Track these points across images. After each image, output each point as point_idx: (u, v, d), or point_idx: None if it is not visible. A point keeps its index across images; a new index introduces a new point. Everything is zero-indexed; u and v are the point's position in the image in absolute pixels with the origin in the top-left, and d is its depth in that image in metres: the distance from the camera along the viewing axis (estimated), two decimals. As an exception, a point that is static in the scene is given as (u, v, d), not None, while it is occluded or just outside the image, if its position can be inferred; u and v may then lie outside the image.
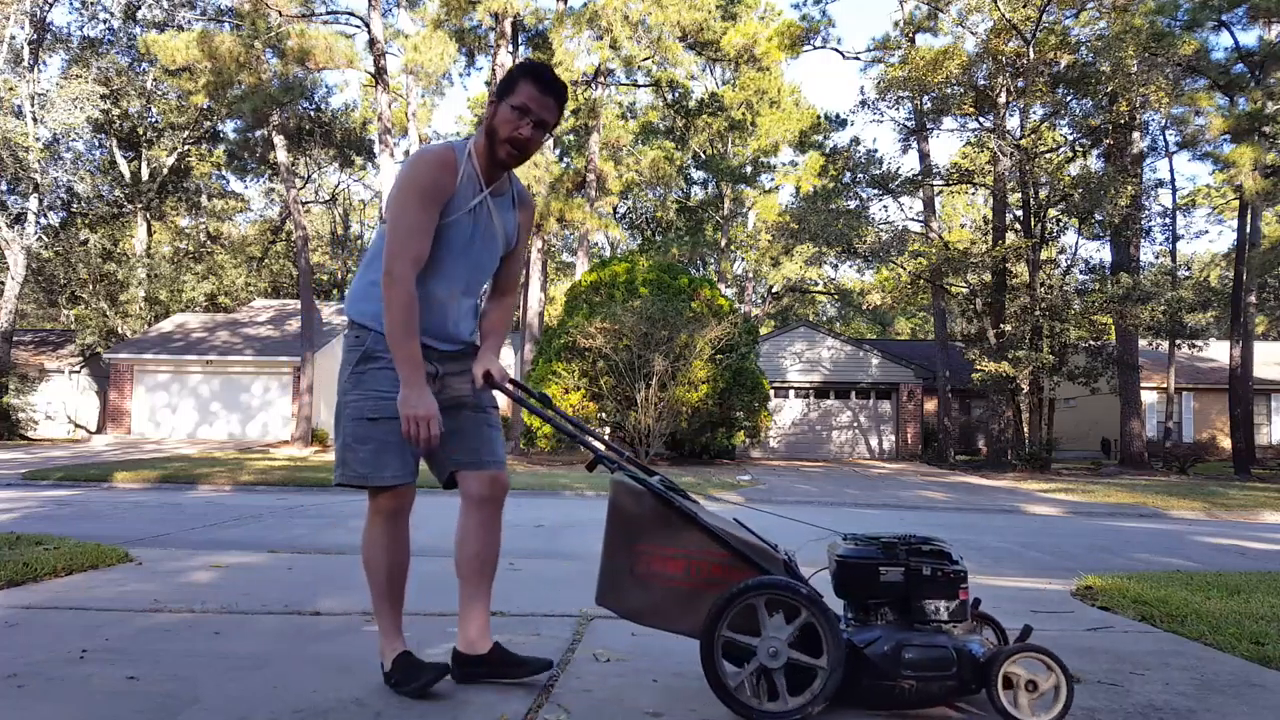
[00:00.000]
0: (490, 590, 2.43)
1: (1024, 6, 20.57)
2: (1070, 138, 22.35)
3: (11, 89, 24.59)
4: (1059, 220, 21.56)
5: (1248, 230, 20.67)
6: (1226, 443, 23.47)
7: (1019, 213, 21.88)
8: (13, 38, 25.24)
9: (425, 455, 2.37)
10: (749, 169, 33.54)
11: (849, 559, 2.27)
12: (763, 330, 27.92)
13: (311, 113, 28.82)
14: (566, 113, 28.06)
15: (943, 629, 2.21)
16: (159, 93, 30.24)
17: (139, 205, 31.48)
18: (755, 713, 2.10)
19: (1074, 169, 21.64)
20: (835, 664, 2.08)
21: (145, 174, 32.05)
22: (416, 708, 2.19)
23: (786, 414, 24.99)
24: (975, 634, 2.29)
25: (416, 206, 2.20)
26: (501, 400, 2.59)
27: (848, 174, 24.38)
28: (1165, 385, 24.07)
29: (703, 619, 2.14)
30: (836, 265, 38.61)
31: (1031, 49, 19.67)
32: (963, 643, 2.17)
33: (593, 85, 25.62)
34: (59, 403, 27.33)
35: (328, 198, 44.11)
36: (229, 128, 31.99)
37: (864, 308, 37.55)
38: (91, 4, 28.88)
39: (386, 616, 2.34)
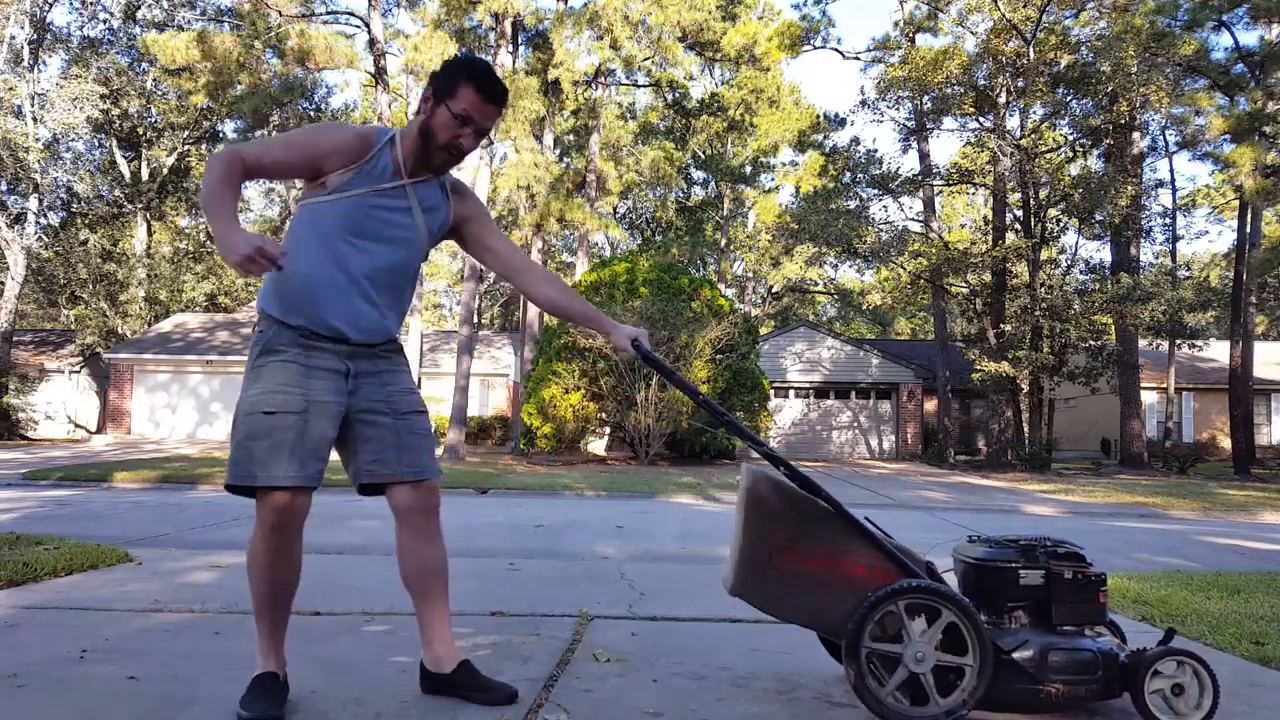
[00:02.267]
0: (447, 601, 2.33)
1: (1024, 6, 20.58)
2: (1070, 138, 22.35)
3: (11, 89, 24.59)
4: (1059, 220, 21.57)
5: (1248, 230, 20.67)
6: (1226, 443, 23.46)
7: (1019, 213, 21.88)
8: (13, 38, 25.24)
9: (342, 462, 2.25)
10: (749, 169, 33.54)
11: (987, 562, 2.25)
12: (763, 330, 27.93)
13: (311, 113, 28.82)
14: (566, 113, 28.14)
15: (1082, 632, 2.20)
16: (159, 93, 30.24)
17: (139, 205, 31.49)
18: (907, 717, 2.08)
19: (1074, 169, 21.65)
20: (984, 662, 2.07)
21: (145, 174, 32.05)
22: (416, 708, 2.19)
23: (787, 414, 24.99)
24: (1104, 636, 2.28)
25: (290, 141, 2.16)
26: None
27: (848, 174, 24.39)
28: (1165, 385, 24.06)
29: (842, 619, 2.11)
30: (836, 265, 38.65)
31: (1031, 49, 19.67)
32: (1105, 645, 2.16)
33: (593, 85, 25.61)
34: (59, 403, 27.34)
35: (328, 198, 44.05)
36: (229, 128, 31.98)
37: (864, 308, 37.55)
38: (91, 4, 28.89)
39: (265, 631, 2.18)
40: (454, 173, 2.41)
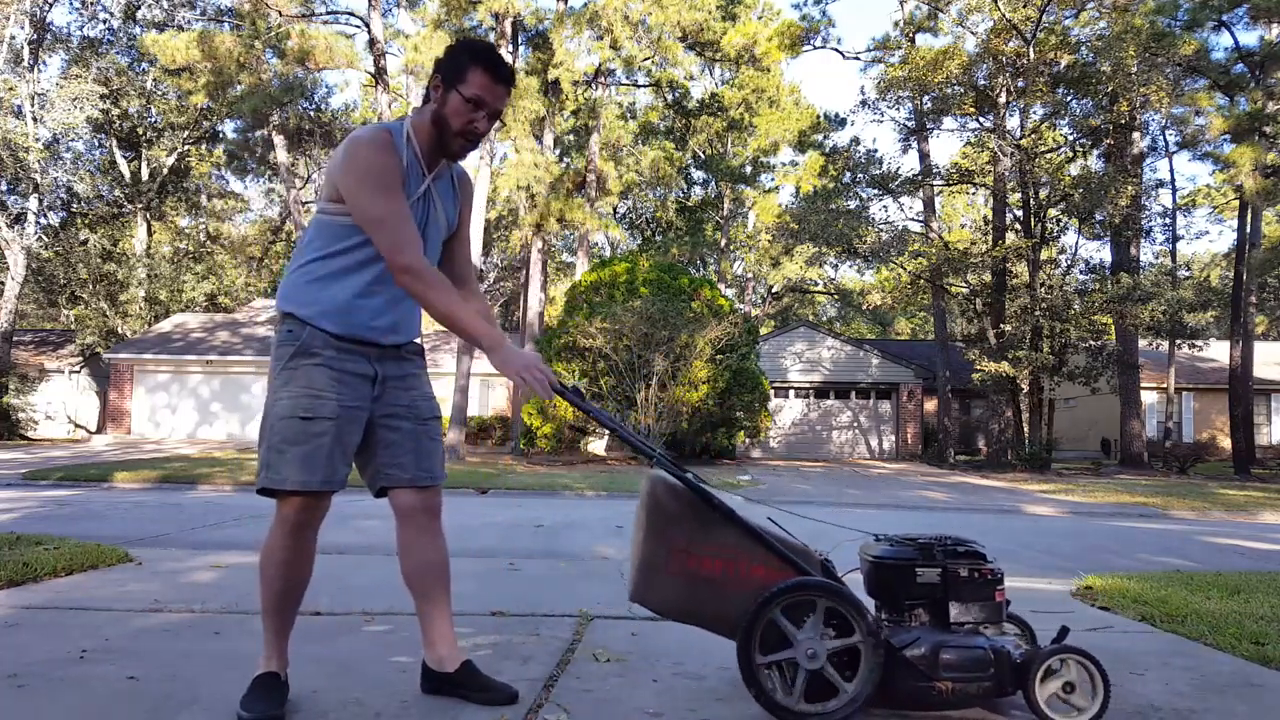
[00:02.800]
0: (449, 601, 2.33)
1: (1024, 6, 20.58)
2: (1070, 138, 22.36)
3: (11, 89, 24.59)
4: (1059, 220, 21.56)
5: (1248, 230, 20.67)
6: (1226, 443, 23.46)
7: (1019, 213, 21.88)
8: (13, 38, 25.24)
9: (358, 464, 2.26)
10: (749, 169, 33.53)
11: (885, 560, 2.27)
12: (763, 330, 27.93)
13: (311, 113, 28.80)
14: (566, 113, 28.10)
15: (979, 630, 2.21)
16: (159, 93, 30.24)
17: (139, 205, 31.49)
18: (818, 717, 2.10)
19: (1074, 169, 21.65)
20: (873, 637, 2.09)
21: (145, 174, 32.06)
22: (416, 708, 2.20)
23: (787, 414, 24.99)
24: (1008, 634, 2.30)
25: (384, 192, 2.06)
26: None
27: (848, 174, 24.40)
28: (1165, 385, 24.06)
29: (738, 620, 2.13)
30: (836, 265, 38.65)
31: (1031, 49, 19.67)
32: (999, 643, 2.17)
33: (593, 85, 25.62)
34: (59, 403, 27.33)
35: (327, 198, 44.04)
36: (229, 128, 32.01)
37: (864, 308, 37.55)
38: (91, 4, 28.89)
39: (272, 629, 2.20)
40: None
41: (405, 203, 2.11)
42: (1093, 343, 20.55)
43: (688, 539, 2.20)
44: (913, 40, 24.31)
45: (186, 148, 32.56)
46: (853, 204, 23.64)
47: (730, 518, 2.20)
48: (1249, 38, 22.49)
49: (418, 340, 2.36)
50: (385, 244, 2.06)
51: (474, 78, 2.12)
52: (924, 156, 24.36)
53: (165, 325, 27.79)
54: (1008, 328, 19.97)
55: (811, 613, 2.13)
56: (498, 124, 21.10)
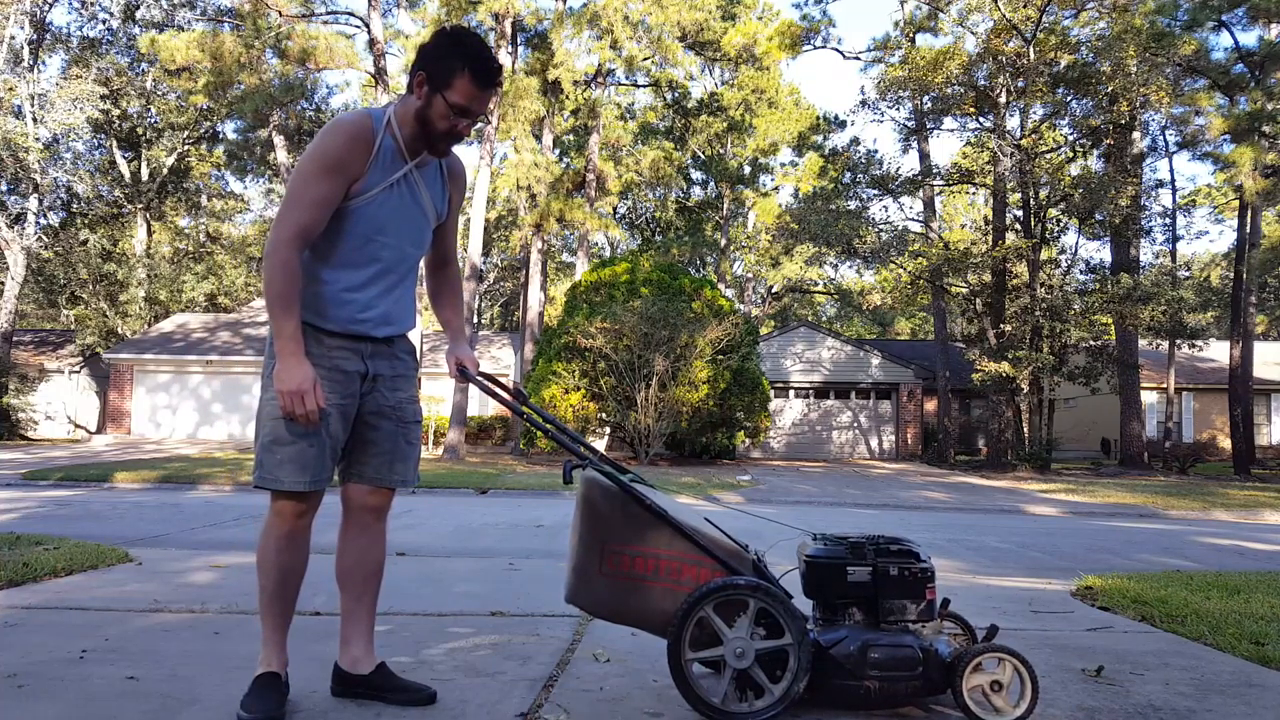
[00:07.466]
0: (375, 603, 2.32)
1: (1024, 6, 20.58)
2: (1070, 138, 22.35)
3: (11, 89, 24.60)
4: (1059, 220, 21.54)
5: (1248, 230, 20.67)
6: (1226, 443, 23.45)
7: (1019, 213, 21.88)
8: (13, 38, 25.24)
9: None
10: (748, 169, 33.53)
11: (817, 559, 2.27)
12: (763, 330, 27.93)
13: (311, 113, 28.82)
14: (566, 113, 28.10)
15: (909, 629, 2.21)
16: (159, 93, 30.25)
17: (139, 205, 31.50)
18: (748, 715, 2.10)
19: (1074, 169, 21.65)
20: (801, 638, 2.10)
21: (145, 174, 32.06)
22: (417, 707, 2.19)
23: (787, 414, 24.99)
24: (943, 633, 2.30)
25: (317, 178, 2.05)
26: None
27: (847, 174, 24.40)
28: (1165, 385, 24.06)
29: (669, 619, 2.14)
30: (836, 265, 38.63)
31: (1031, 49, 19.67)
32: (929, 642, 2.17)
33: (593, 85, 25.61)
34: (59, 403, 27.33)
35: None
36: (229, 128, 32.00)
37: (864, 308, 37.56)
38: (91, 4, 28.89)
39: (271, 625, 2.19)
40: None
41: (329, 193, 2.07)
42: (1093, 343, 20.54)
43: (620, 540, 2.20)
44: (913, 40, 24.31)
45: (186, 148, 32.57)
46: (853, 204, 23.64)
47: (662, 518, 2.20)
48: (1249, 38, 22.46)
49: (410, 338, 2.35)
50: (279, 214, 2.07)
51: (461, 85, 2.08)
52: (924, 156, 24.36)
53: (166, 325, 27.79)
54: (1008, 328, 19.97)
55: (743, 612, 2.13)
56: (497, 124, 21.12)
